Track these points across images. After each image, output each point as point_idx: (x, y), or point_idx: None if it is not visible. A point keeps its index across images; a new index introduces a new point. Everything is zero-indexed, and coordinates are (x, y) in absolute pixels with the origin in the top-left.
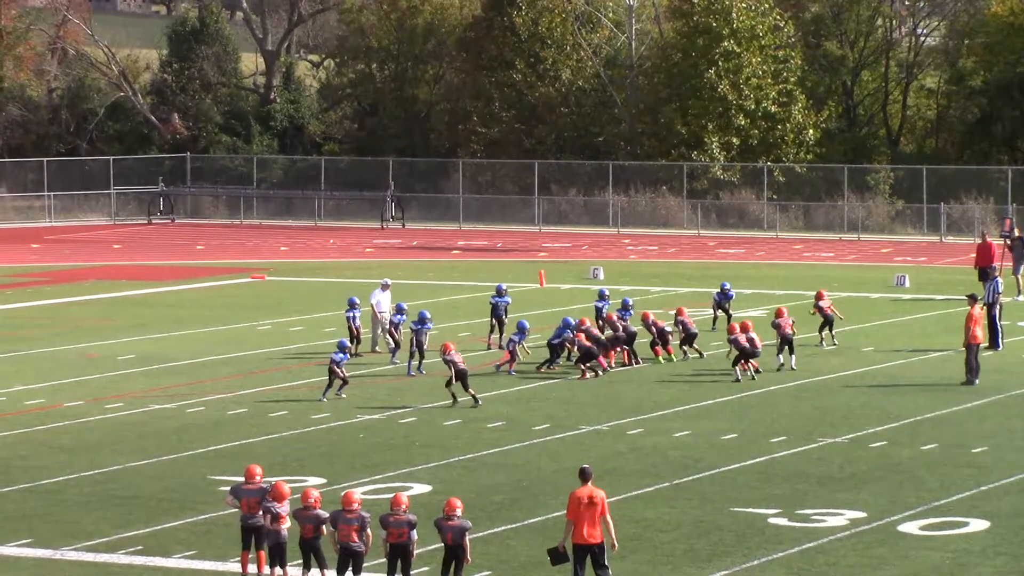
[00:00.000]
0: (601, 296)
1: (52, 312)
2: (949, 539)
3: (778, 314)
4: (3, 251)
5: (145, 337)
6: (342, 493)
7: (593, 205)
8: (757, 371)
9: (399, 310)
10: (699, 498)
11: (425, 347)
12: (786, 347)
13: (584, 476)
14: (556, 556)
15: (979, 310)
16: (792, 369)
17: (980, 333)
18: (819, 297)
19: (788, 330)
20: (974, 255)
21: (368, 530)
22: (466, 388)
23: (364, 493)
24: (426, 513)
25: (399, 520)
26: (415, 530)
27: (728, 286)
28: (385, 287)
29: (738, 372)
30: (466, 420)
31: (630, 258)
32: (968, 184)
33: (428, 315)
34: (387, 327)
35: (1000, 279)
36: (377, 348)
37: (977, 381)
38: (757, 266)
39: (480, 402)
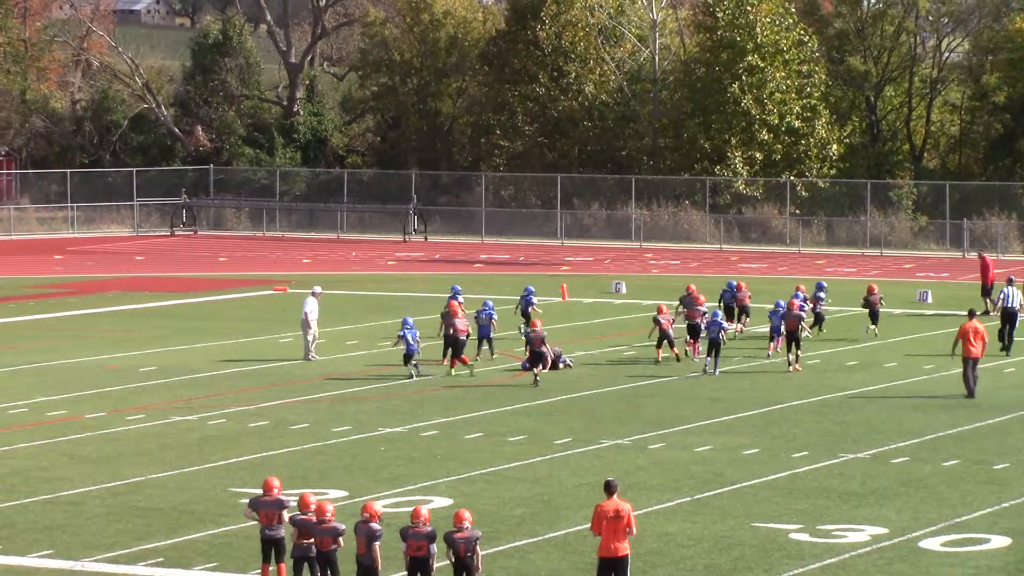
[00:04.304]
0: (819, 288)
1: (74, 323)
2: (970, 555)
3: (869, 291)
4: (26, 262)
5: (167, 349)
6: (361, 504)
7: (615, 219)
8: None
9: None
10: (720, 513)
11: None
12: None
13: (609, 489)
14: None
15: (974, 324)
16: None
17: (976, 348)
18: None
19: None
20: (988, 271)
21: (376, 543)
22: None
23: (385, 506)
24: (446, 527)
25: (418, 533)
26: (434, 543)
27: (694, 287)
28: (315, 295)
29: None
30: (487, 433)
31: (652, 272)
32: (991, 200)
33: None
34: (315, 335)
35: (1017, 289)
36: (311, 356)
37: (974, 394)
38: (779, 281)
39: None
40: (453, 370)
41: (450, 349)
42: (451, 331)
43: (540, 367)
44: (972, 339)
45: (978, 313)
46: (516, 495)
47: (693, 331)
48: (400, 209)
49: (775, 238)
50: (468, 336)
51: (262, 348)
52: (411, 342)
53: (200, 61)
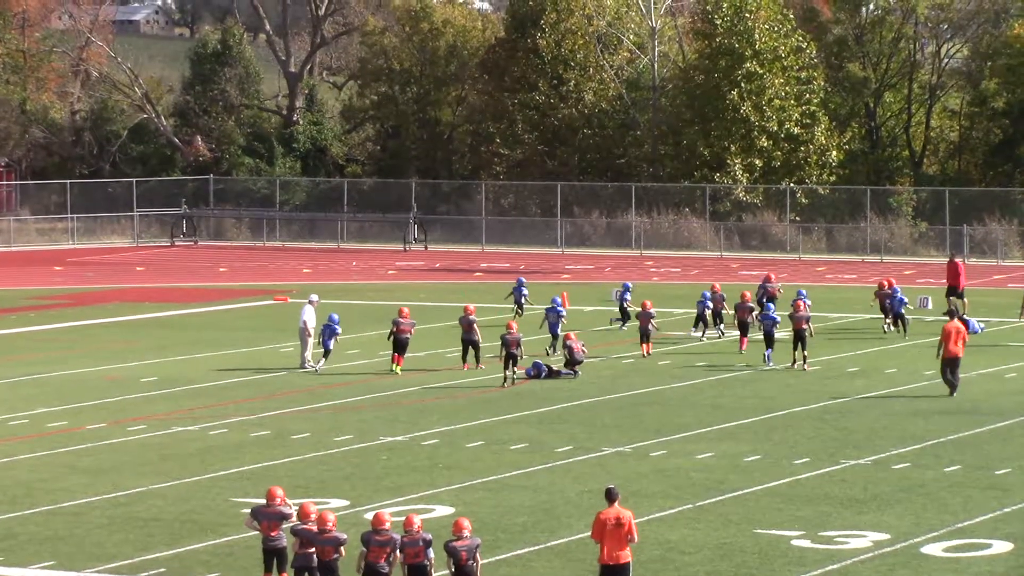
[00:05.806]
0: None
1: (75, 334)
2: (972, 561)
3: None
4: (26, 273)
5: (167, 359)
6: (373, 514)
7: (616, 227)
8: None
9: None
10: (722, 520)
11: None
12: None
13: (611, 497)
14: None
15: (956, 324)
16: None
17: (957, 348)
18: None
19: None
20: (958, 275)
21: (398, 552)
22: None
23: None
24: (447, 535)
25: (414, 540)
26: (431, 548)
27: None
28: (312, 303)
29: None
30: (489, 442)
31: (653, 280)
32: (991, 206)
33: (336, 318)
34: (310, 342)
35: None
36: (308, 365)
37: (954, 393)
38: (782, 288)
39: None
40: (395, 367)
41: (471, 350)
42: (394, 330)
43: (514, 370)
44: (954, 339)
45: (960, 314)
46: (518, 503)
47: (743, 328)
48: (400, 218)
49: (775, 245)
50: (410, 336)
51: (263, 357)
52: (326, 339)
53: (199, 71)
